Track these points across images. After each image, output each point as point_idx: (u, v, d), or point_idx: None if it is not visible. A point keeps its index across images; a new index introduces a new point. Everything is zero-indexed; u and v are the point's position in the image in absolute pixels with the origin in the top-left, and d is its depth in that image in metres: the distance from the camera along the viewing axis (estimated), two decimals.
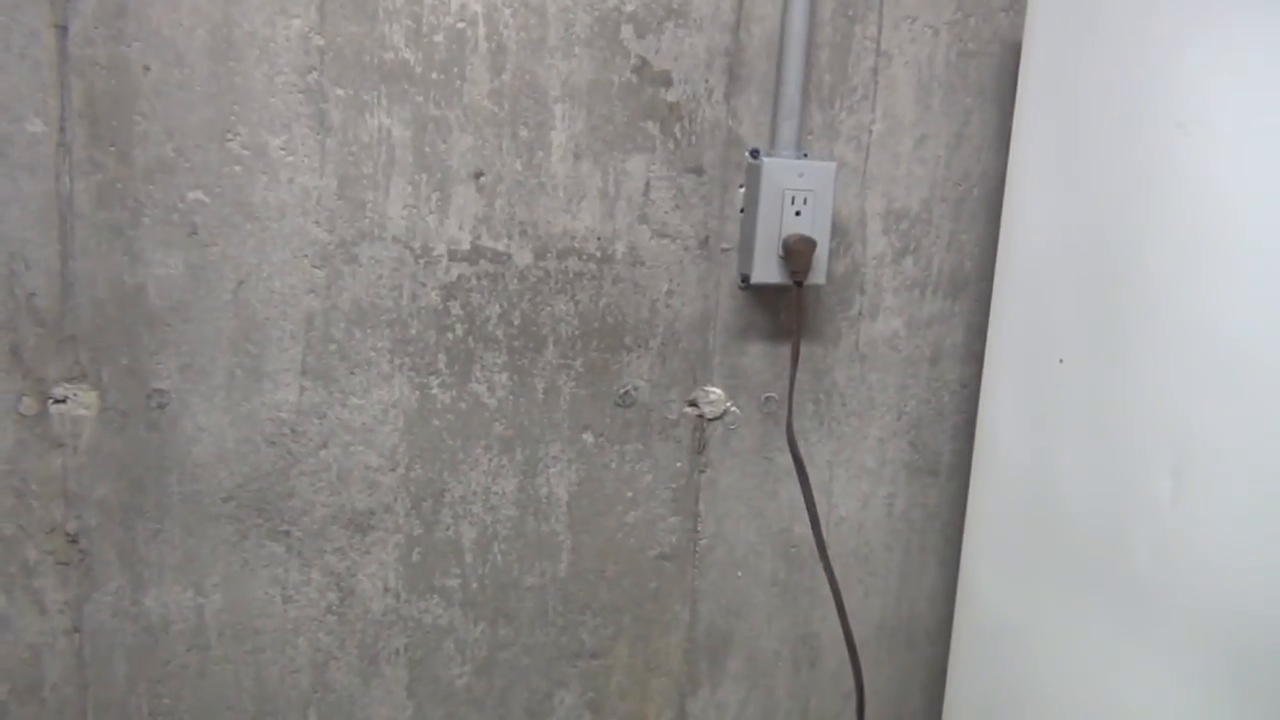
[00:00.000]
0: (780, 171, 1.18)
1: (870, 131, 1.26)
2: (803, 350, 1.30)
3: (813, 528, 1.25)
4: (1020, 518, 1.20)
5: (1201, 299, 0.96)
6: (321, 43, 1.09)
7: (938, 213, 1.30)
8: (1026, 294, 1.19)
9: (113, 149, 1.06)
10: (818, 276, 1.21)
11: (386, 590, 1.22)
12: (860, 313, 1.31)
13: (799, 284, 1.19)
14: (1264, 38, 0.89)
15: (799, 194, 1.18)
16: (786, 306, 1.28)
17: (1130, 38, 1.04)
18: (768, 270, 1.20)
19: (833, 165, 1.19)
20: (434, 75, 1.13)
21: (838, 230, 1.27)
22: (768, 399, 1.30)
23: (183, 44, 1.06)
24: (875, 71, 1.25)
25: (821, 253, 1.20)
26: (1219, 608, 0.94)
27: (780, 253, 1.19)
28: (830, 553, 1.35)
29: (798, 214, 1.19)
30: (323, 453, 1.17)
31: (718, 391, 1.28)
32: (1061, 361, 1.13)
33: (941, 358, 1.35)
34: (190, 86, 1.07)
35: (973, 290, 1.34)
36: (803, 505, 1.30)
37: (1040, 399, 1.17)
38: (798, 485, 1.30)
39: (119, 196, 1.07)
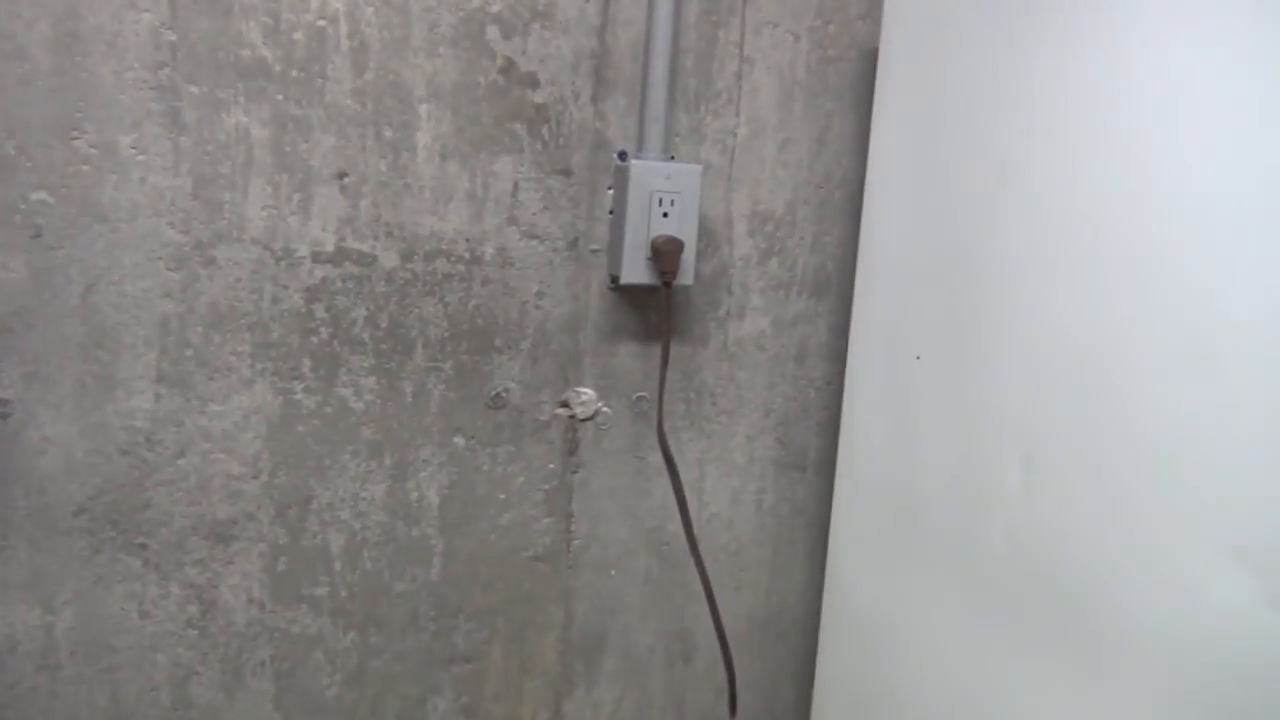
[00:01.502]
0: (647, 173, 1.21)
1: (735, 135, 1.30)
2: (673, 350, 1.33)
3: (684, 525, 1.28)
4: (883, 510, 1.26)
5: (1047, 298, 1.02)
6: (174, 38, 1.07)
7: (801, 215, 1.35)
8: (885, 293, 1.25)
9: None
10: (686, 277, 1.24)
11: (251, 601, 1.20)
12: (728, 313, 1.35)
13: (668, 284, 1.22)
14: (1105, 44, 0.96)
15: (666, 195, 1.21)
16: (656, 307, 1.31)
17: (978, 45, 1.10)
18: (637, 271, 1.23)
19: (698, 168, 1.23)
20: (294, 73, 1.12)
21: (705, 232, 1.31)
22: (639, 399, 1.32)
23: (23, 37, 1.02)
24: (739, 76, 1.29)
25: (689, 253, 1.23)
26: (1067, 592, 1.00)
27: (649, 254, 1.22)
28: (701, 549, 1.38)
29: (665, 215, 1.22)
30: (181, 461, 1.15)
31: (589, 392, 1.30)
32: (919, 358, 1.19)
33: (807, 356, 1.40)
34: (32, 81, 1.03)
35: (835, 290, 1.39)
36: (674, 503, 1.33)
37: (900, 395, 1.23)
38: (669, 483, 1.33)
39: None
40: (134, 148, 1.07)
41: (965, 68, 1.12)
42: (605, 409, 1.32)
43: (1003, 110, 1.07)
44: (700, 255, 1.31)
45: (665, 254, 1.21)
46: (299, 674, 1.24)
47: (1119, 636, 0.94)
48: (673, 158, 1.26)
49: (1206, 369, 0.86)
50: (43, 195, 1.05)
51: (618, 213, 1.23)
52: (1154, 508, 0.91)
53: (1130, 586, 0.93)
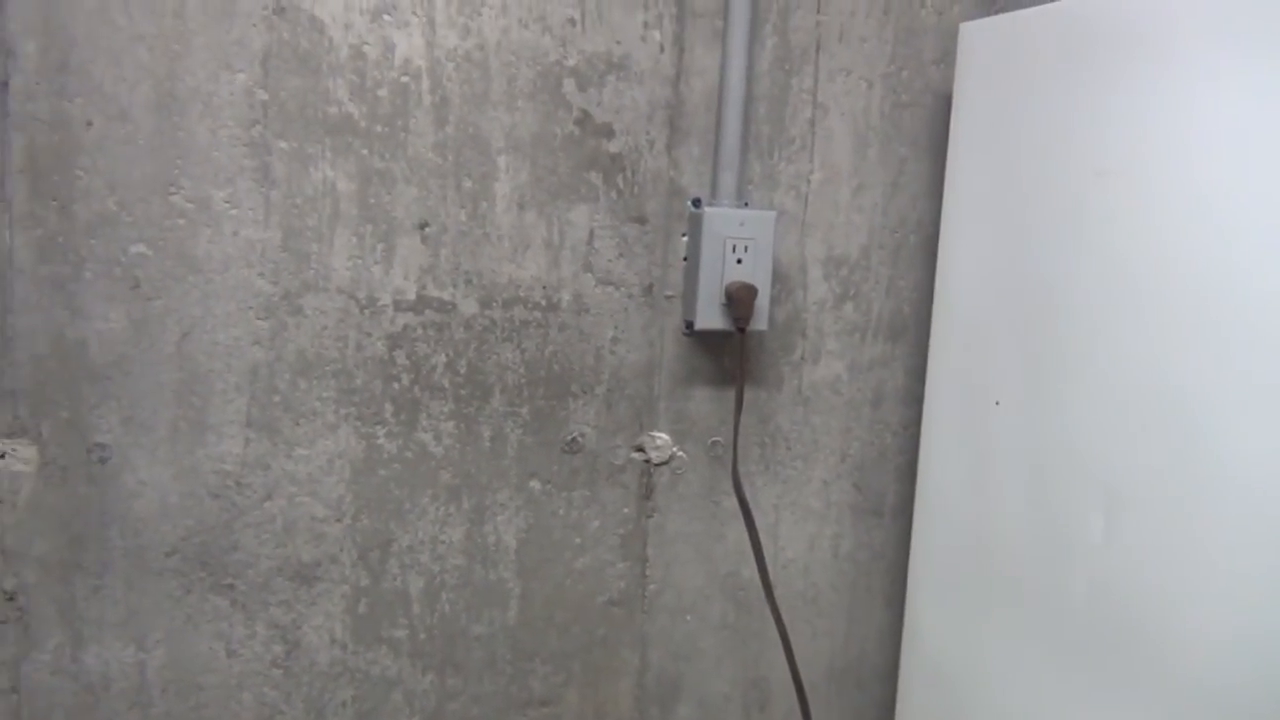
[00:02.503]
0: (721, 220, 1.24)
1: (809, 181, 1.33)
2: (748, 395, 1.35)
3: (759, 570, 1.29)
4: (961, 558, 1.25)
5: (1124, 339, 1.02)
6: (265, 97, 1.13)
7: (876, 259, 1.37)
8: (962, 338, 1.25)
9: (54, 203, 1.09)
10: (760, 322, 1.26)
11: (333, 642, 1.24)
12: (803, 357, 1.36)
13: (742, 330, 1.24)
14: (1177, 89, 0.96)
15: (740, 242, 1.24)
16: (730, 352, 1.33)
17: (1051, 88, 1.11)
18: (711, 317, 1.25)
19: (772, 214, 1.25)
20: (378, 128, 1.17)
21: (779, 277, 1.33)
22: (714, 443, 1.34)
23: (126, 99, 1.09)
24: (813, 123, 1.31)
25: (763, 299, 1.25)
26: (1151, 641, 0.99)
27: (723, 300, 1.24)
28: (777, 594, 1.39)
29: (739, 261, 1.24)
30: (267, 504, 1.20)
31: (664, 437, 1.33)
32: (998, 404, 1.19)
33: (883, 401, 1.40)
34: (133, 141, 1.10)
35: (912, 334, 1.40)
36: (749, 548, 1.34)
37: (978, 441, 1.23)
38: (744, 528, 1.34)
39: (60, 251, 1.10)
40: (227, 202, 1.13)
41: (1038, 111, 1.13)
42: (680, 453, 1.34)
43: (1077, 152, 1.07)
44: (774, 300, 1.33)
45: (739, 300, 1.23)
46: (379, 714, 1.27)
47: (1205, 686, 0.93)
48: (746, 204, 1.29)
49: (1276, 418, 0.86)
50: (141, 248, 1.12)
51: (691, 259, 1.26)
52: (1245, 552, 0.90)
53: (1219, 634, 0.92)
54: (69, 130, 1.08)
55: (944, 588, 1.29)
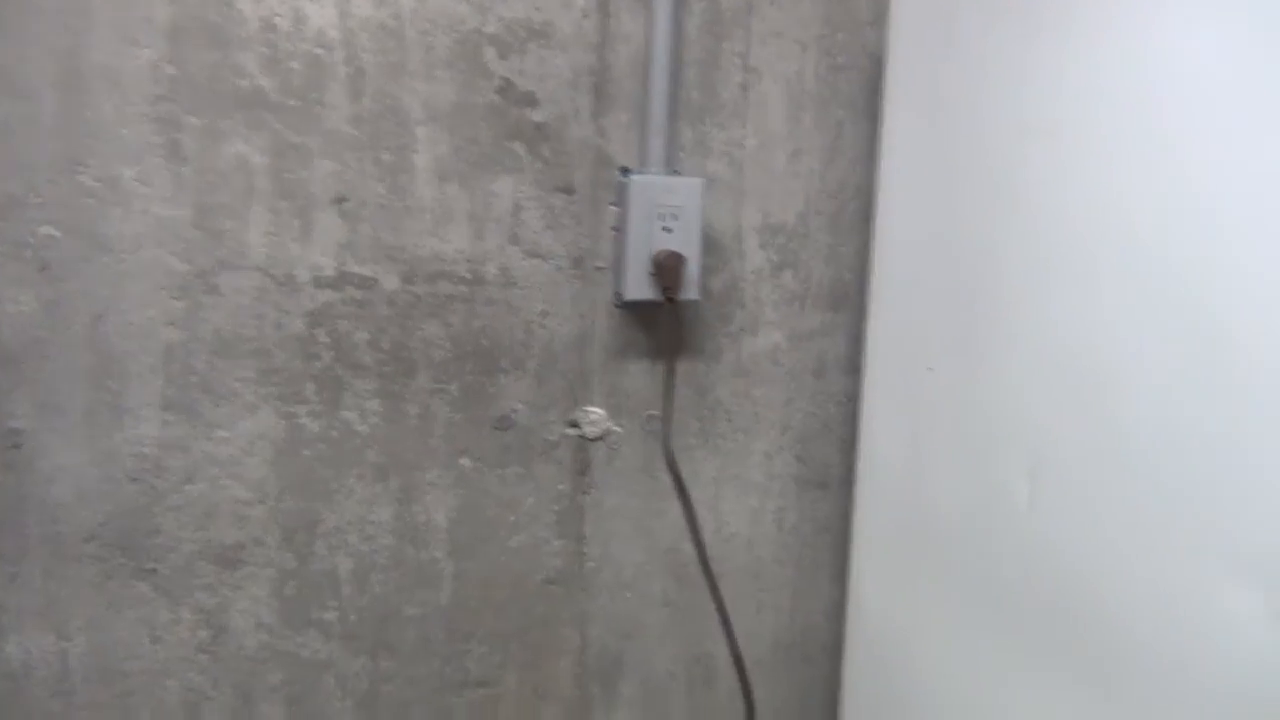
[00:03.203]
0: (648, 189, 1.22)
1: (743, 147, 1.31)
2: (684, 367, 1.34)
3: (695, 545, 1.29)
4: (901, 529, 1.25)
5: (1047, 305, 1.01)
6: (173, 72, 1.12)
7: (815, 226, 1.36)
8: (898, 304, 1.25)
9: None
10: (690, 292, 1.25)
11: (260, 626, 1.24)
12: (741, 328, 1.35)
13: (670, 300, 1.23)
14: (1105, 44, 0.95)
15: (668, 210, 1.23)
16: (664, 323, 1.32)
17: (979, 46, 1.10)
18: (640, 287, 1.24)
19: (700, 181, 1.24)
20: (292, 102, 1.16)
21: (715, 246, 1.32)
22: (650, 417, 1.34)
23: (29, 77, 1.08)
24: (745, 88, 1.30)
25: (693, 268, 1.24)
26: (1073, 608, 0.99)
27: (651, 270, 1.23)
28: (721, 569, 1.39)
29: (667, 230, 1.23)
30: (188, 487, 1.19)
31: (599, 411, 1.32)
32: (930, 370, 1.19)
33: (825, 370, 1.40)
34: (37, 120, 1.09)
35: (854, 302, 1.39)
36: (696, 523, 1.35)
37: (914, 409, 1.22)
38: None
39: None
40: (137, 180, 1.12)
41: (967, 67, 1.11)
42: (616, 428, 1.33)
43: (1002, 110, 1.06)
44: (710, 270, 1.32)
45: (667, 269, 1.22)
46: (311, 699, 1.27)
47: (1123, 652, 0.93)
48: (677, 172, 1.28)
49: (1208, 378, 0.85)
50: (50, 230, 1.11)
51: (620, 229, 1.25)
52: (1156, 520, 0.89)
53: (1133, 601, 0.92)
54: None
55: (886, 559, 1.28)
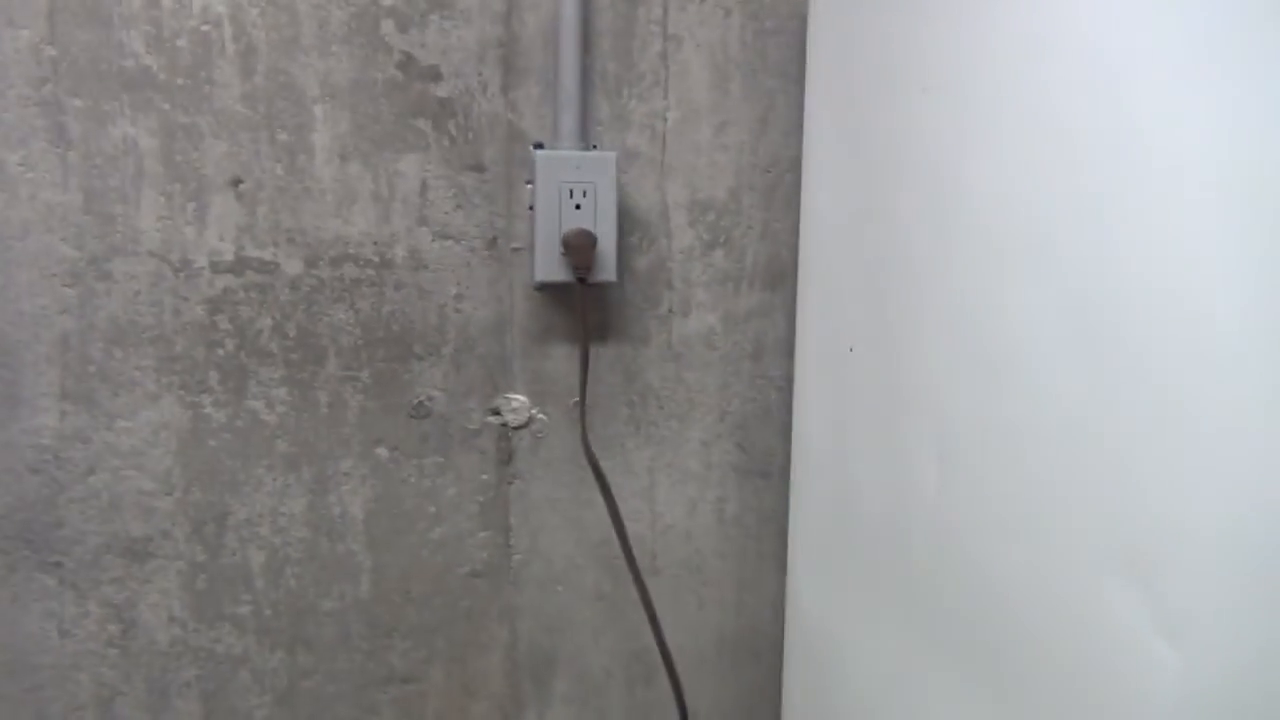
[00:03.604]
0: (556, 164, 1.17)
1: (665, 119, 1.25)
2: (610, 352, 1.29)
3: (619, 538, 1.24)
4: (831, 518, 1.19)
5: (954, 281, 0.94)
6: (54, 53, 1.09)
7: (748, 202, 1.29)
8: (822, 281, 1.18)
9: None
10: (605, 273, 1.20)
11: (172, 620, 1.22)
12: (670, 309, 1.30)
13: (582, 280, 1.18)
14: None
15: (578, 186, 1.17)
16: (592, 305, 1.27)
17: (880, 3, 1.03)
18: (551, 268, 1.19)
19: (612, 155, 1.18)
20: (180, 81, 1.13)
21: (639, 224, 1.26)
22: (576, 404, 1.28)
23: None
24: (664, 57, 1.24)
25: (607, 247, 1.19)
26: (975, 604, 0.92)
27: (561, 249, 1.18)
28: (659, 564, 1.34)
29: (578, 208, 1.18)
30: (91, 479, 1.17)
31: (521, 398, 1.27)
32: (851, 350, 1.12)
33: (764, 353, 1.33)
34: None
35: (792, 281, 1.32)
36: (629, 514, 1.29)
37: (837, 391, 1.15)
38: (618, 492, 1.29)
39: None
40: (21, 165, 1.10)
41: (877, 25, 1.04)
42: (540, 415, 1.28)
43: (905, 69, 0.99)
44: (634, 249, 1.27)
45: (576, 248, 1.17)
46: (226, 694, 1.25)
47: (1021, 656, 0.86)
48: (595, 147, 1.22)
49: (1094, 361, 0.77)
50: None
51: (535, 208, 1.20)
52: (1046, 514, 0.82)
53: (1027, 601, 0.85)
54: None
55: (818, 550, 1.22)
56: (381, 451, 1.25)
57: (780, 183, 1.30)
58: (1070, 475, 0.80)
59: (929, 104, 0.96)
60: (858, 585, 1.13)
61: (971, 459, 0.92)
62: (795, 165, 1.30)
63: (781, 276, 1.32)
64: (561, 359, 1.28)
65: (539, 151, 1.18)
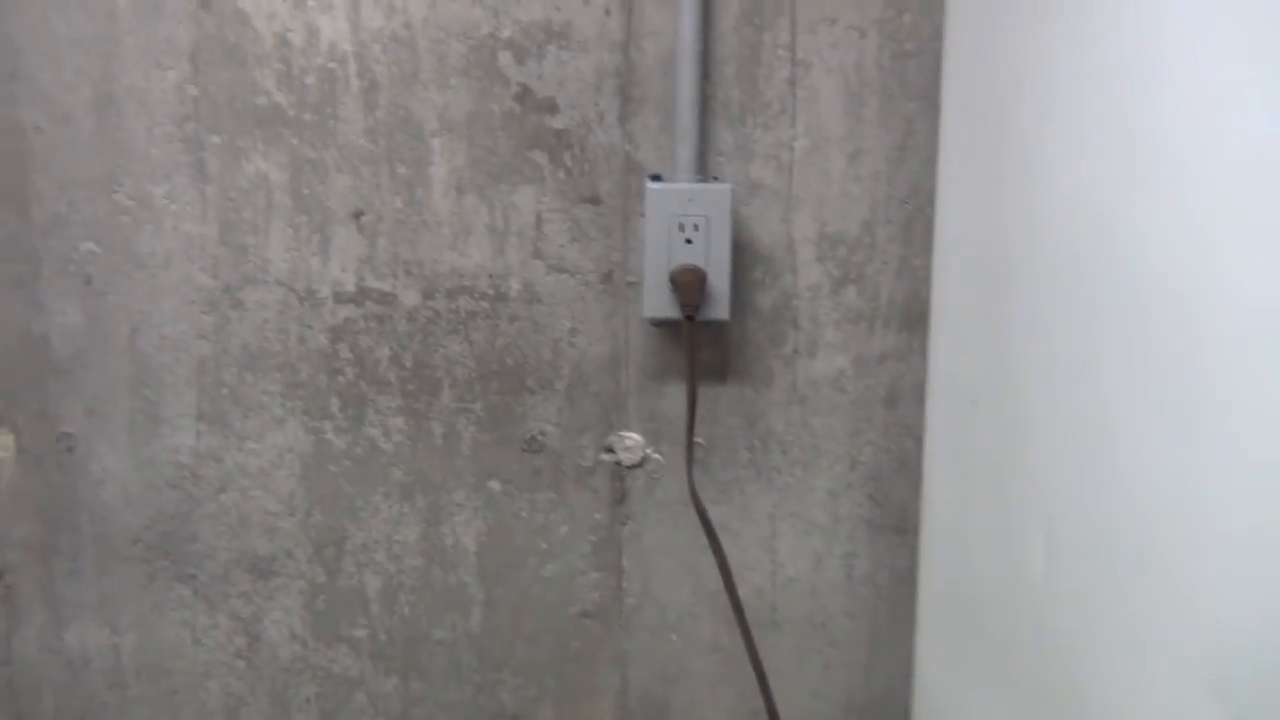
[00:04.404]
0: (668, 198, 1.14)
1: (792, 149, 1.19)
2: (731, 392, 1.24)
3: (725, 586, 1.18)
4: (952, 583, 1.08)
5: (1069, 323, 0.84)
6: (196, 92, 1.17)
7: (883, 236, 1.21)
8: (952, 326, 1.08)
9: (11, 206, 1.18)
10: (717, 310, 1.15)
11: (293, 637, 1.27)
12: (796, 350, 1.23)
13: (690, 318, 1.14)
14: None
15: (689, 220, 1.13)
16: (714, 344, 1.22)
17: (1014, 21, 0.93)
18: (660, 304, 1.16)
19: (726, 188, 1.14)
20: (307, 117, 1.17)
21: (761, 259, 1.21)
22: (695, 444, 1.24)
23: (68, 102, 1.16)
24: (792, 83, 1.18)
25: (720, 283, 1.14)
26: (1084, 712, 0.81)
27: (670, 285, 1.14)
28: (779, 618, 1.27)
29: (689, 242, 1.14)
30: (222, 497, 1.24)
31: (635, 437, 1.24)
32: (974, 404, 1.02)
33: (900, 399, 1.24)
34: (77, 142, 1.17)
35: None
36: (748, 563, 1.24)
37: (961, 449, 1.06)
38: (736, 539, 1.24)
39: (20, 250, 1.19)
40: (166, 198, 1.18)
41: (998, 45, 0.95)
42: (655, 455, 1.25)
43: (1027, 96, 0.89)
44: (756, 286, 1.21)
45: (683, 285, 1.13)
46: (343, 714, 1.28)
47: None
48: (716, 179, 1.18)
49: (1196, 453, 0.66)
50: (91, 246, 1.19)
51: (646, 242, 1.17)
52: (1145, 629, 0.71)
53: (1123, 712, 0.73)
54: (21, 135, 1.17)
55: (943, 618, 1.12)
56: (494, 485, 1.25)
57: (920, 215, 1.21)
58: (1171, 592, 0.69)
59: (1048, 131, 0.86)
60: (977, 661, 1.02)
61: (1078, 555, 0.81)
62: (935, 196, 1.20)
63: (920, 317, 1.22)
64: (678, 398, 1.24)
65: (650, 184, 1.15)
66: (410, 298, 1.21)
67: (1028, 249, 0.90)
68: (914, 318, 1.23)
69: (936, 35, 1.17)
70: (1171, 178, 0.70)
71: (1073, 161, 0.83)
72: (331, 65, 1.17)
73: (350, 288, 1.21)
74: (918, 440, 1.25)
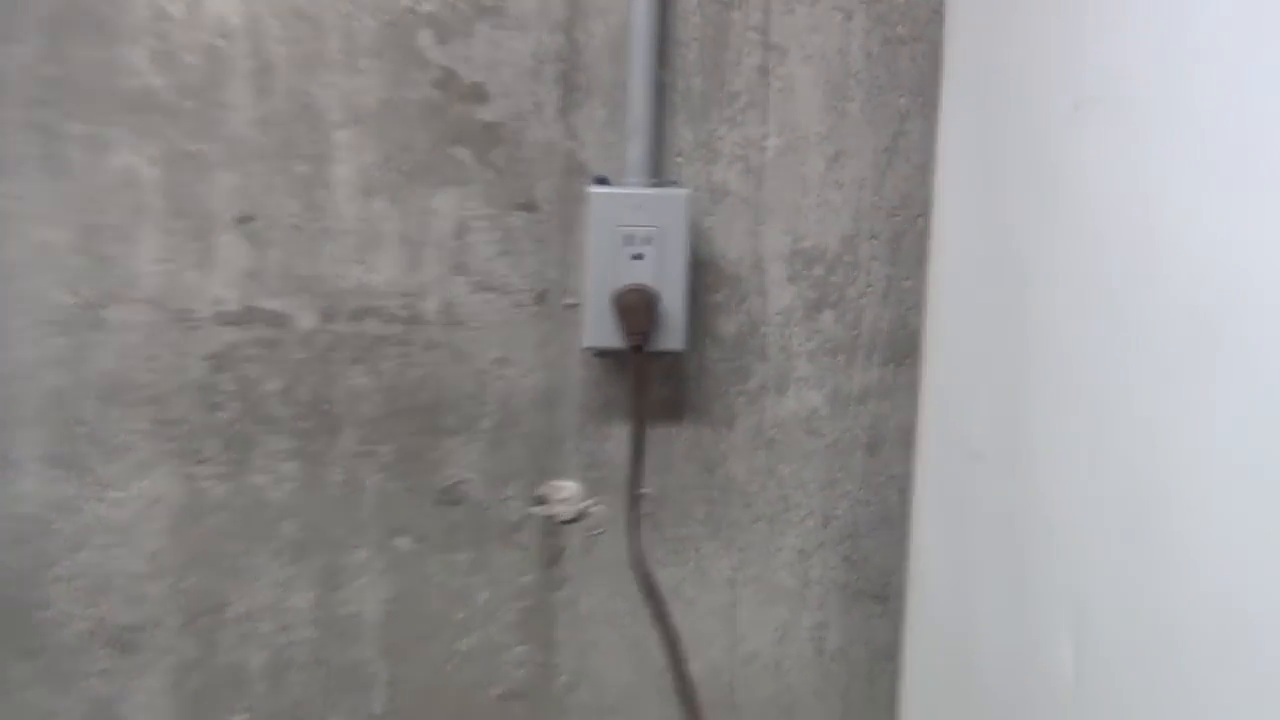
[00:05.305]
0: (613, 205, 0.97)
1: (762, 149, 1.03)
2: (687, 434, 1.07)
3: (671, 663, 1.01)
4: (946, 667, 0.92)
5: (1103, 370, 0.68)
6: (53, 71, 0.98)
7: (866, 253, 1.05)
8: (949, 360, 0.93)
9: None
10: (670, 339, 0.99)
11: None
12: (763, 385, 1.06)
13: (637, 349, 0.97)
14: None
15: (639, 232, 0.97)
16: (669, 376, 1.06)
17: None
18: (602, 331, 0.99)
19: (683, 193, 0.97)
20: (187, 103, 1.00)
21: (725, 279, 1.04)
22: (637, 497, 1.07)
23: None
24: (765, 71, 1.02)
25: (673, 307, 0.98)
26: None
27: (614, 309, 0.97)
28: (737, 698, 1.10)
29: (638, 258, 0.97)
30: (78, 555, 1.04)
31: (572, 486, 1.07)
32: (978, 456, 0.86)
33: (883, 444, 1.08)
34: None
35: (924, 353, 1.07)
36: (702, 635, 1.07)
37: (960, 506, 0.90)
38: (689, 607, 1.07)
39: None
40: (14, 197, 0.99)
41: (1016, 26, 0.79)
42: (596, 508, 1.08)
43: (1053, 82, 0.74)
44: (719, 309, 1.05)
45: (628, 309, 0.96)
46: None
47: None
48: (673, 182, 1.02)
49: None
50: None
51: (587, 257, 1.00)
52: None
53: None
54: None
55: (932, 707, 0.95)
56: (403, 542, 1.07)
57: (911, 228, 1.05)
58: (1240, 704, 0.53)
59: (1084, 124, 0.70)
60: None
61: (1120, 654, 0.65)
62: (931, 207, 1.05)
63: (910, 349, 1.07)
64: (623, 441, 1.07)
65: (594, 188, 0.98)
66: (307, 320, 1.03)
67: (1052, 269, 0.74)
68: (902, 349, 1.07)
69: (935, 18, 1.02)
70: (1257, 179, 0.55)
71: (1117, 161, 0.67)
72: (218, 42, 0.99)
73: (235, 307, 1.02)
74: (903, 493, 1.09)
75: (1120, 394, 0.66)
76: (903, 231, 1.05)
